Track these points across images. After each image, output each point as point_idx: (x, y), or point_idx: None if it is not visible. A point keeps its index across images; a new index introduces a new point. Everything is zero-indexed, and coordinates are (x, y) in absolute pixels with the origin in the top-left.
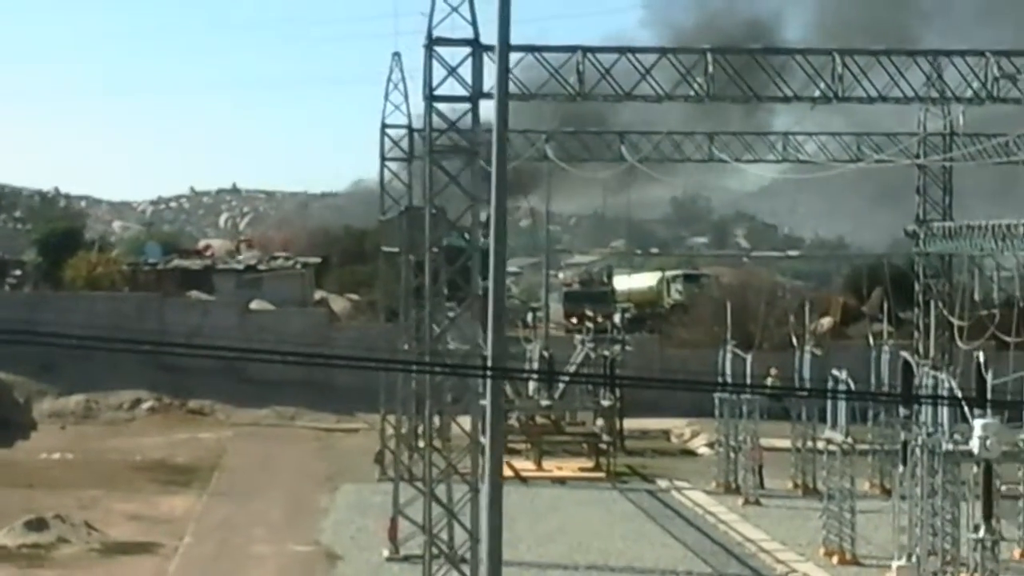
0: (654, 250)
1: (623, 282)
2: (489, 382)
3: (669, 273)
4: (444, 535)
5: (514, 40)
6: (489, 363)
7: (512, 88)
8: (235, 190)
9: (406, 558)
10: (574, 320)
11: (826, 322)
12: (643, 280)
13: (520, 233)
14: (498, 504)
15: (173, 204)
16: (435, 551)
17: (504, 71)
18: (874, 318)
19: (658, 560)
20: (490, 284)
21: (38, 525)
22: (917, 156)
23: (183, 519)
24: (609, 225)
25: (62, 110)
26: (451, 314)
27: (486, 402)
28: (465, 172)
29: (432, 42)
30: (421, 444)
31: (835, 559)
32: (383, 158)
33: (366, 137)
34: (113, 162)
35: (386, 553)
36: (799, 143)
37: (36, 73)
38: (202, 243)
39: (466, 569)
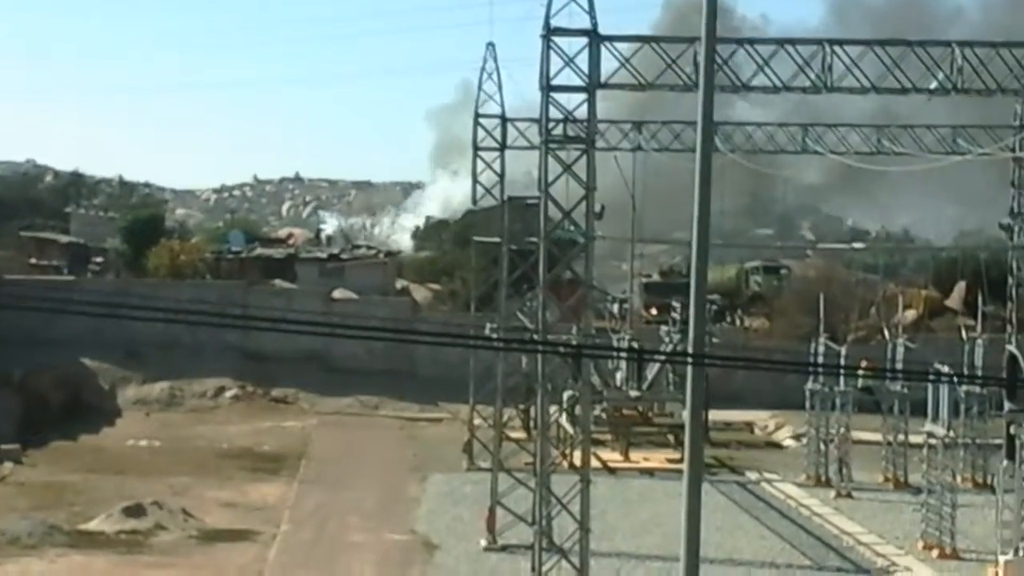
0: (718, 241)
1: None
2: (690, 369)
3: (748, 264)
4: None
5: (627, 28)
6: (691, 349)
7: (627, 78)
8: (298, 179)
9: (504, 548)
10: (653, 311)
11: (910, 315)
12: (722, 271)
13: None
14: (697, 494)
15: (236, 192)
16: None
17: (710, 61)
18: (958, 312)
19: (756, 552)
20: (692, 269)
21: (136, 511)
22: (1012, 149)
23: (276, 507)
24: (672, 214)
25: (124, 101)
26: (531, 302)
27: (688, 389)
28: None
29: (550, 32)
30: (513, 435)
31: (935, 553)
32: (475, 148)
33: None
34: (176, 150)
35: (483, 543)
36: (894, 135)
37: (101, 67)
38: (284, 231)
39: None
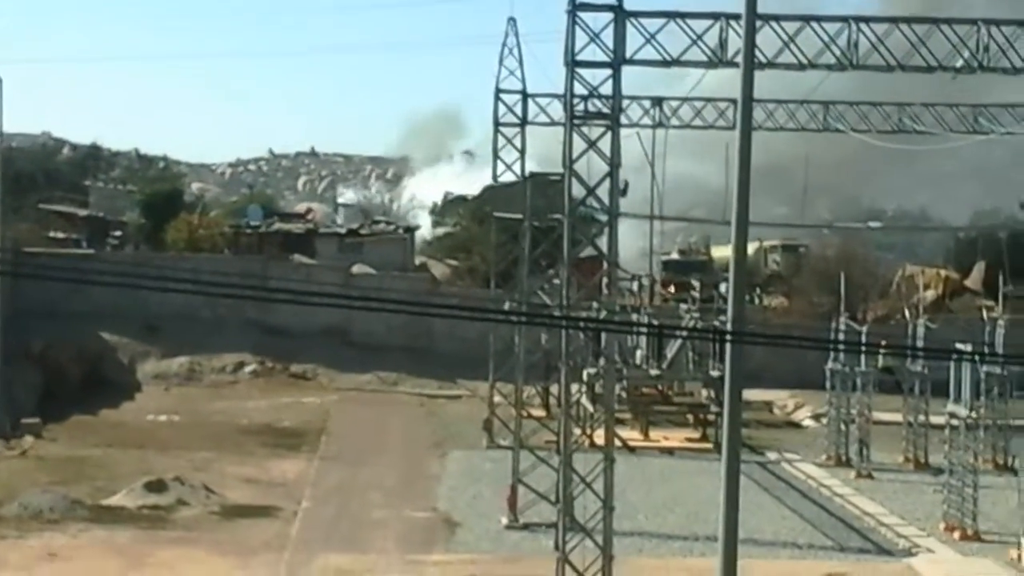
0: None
1: (719, 251)
2: (729, 347)
3: (767, 243)
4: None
5: (653, 5)
6: (730, 326)
7: (652, 55)
8: (313, 153)
9: (525, 526)
10: (671, 289)
11: (929, 295)
12: None
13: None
14: (736, 473)
15: (252, 167)
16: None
17: (751, 37)
18: (977, 292)
19: (777, 532)
20: (732, 246)
21: (157, 486)
22: None
23: (297, 483)
24: (686, 192)
25: (139, 72)
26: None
27: (726, 368)
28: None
29: (575, 7)
30: (533, 412)
31: (957, 534)
32: (496, 123)
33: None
34: (191, 123)
35: (505, 521)
36: (915, 114)
37: (116, 36)
38: (303, 206)
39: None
